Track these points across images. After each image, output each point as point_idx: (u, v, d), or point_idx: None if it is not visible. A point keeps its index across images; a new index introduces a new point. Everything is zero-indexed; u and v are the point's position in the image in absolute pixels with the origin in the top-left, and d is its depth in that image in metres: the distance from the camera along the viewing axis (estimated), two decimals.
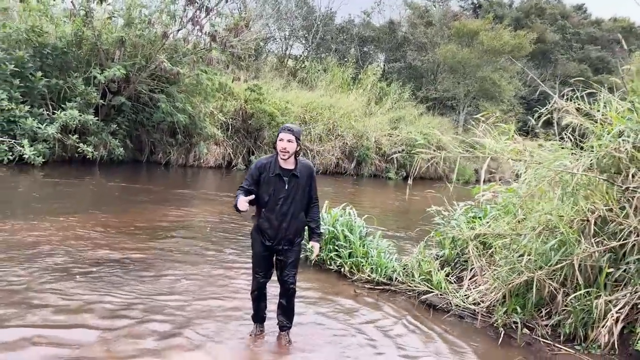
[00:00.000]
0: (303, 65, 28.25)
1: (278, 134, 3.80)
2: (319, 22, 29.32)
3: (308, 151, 19.88)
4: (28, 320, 4.02)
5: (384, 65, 32.68)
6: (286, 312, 4.10)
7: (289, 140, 3.73)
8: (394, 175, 22.05)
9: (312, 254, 4.48)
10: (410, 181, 5.74)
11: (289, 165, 3.84)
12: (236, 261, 6.39)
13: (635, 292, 4.25)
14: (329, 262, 6.31)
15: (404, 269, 5.93)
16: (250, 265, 4.13)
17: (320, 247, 5.18)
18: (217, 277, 5.70)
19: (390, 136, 22.60)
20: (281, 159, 3.78)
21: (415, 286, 5.57)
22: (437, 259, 6.19)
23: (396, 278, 5.78)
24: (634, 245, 4.27)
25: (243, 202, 3.62)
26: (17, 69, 13.05)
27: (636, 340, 4.19)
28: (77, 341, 3.77)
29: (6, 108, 12.62)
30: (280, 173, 3.80)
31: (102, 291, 4.79)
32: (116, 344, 3.79)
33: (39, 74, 13.41)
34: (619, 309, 4.29)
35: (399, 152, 21.61)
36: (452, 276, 5.97)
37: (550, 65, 40.84)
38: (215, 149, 17.87)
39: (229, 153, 18.29)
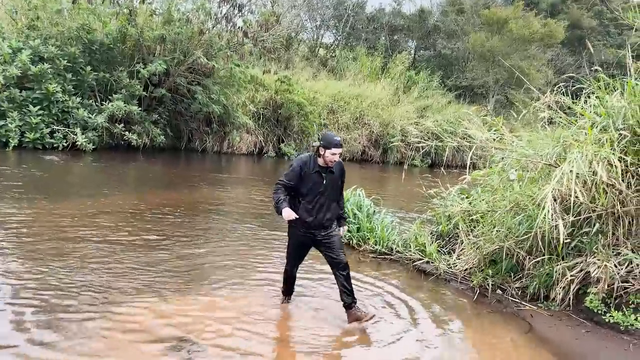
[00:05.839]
0: (333, 54, 28.98)
1: (329, 146, 4.27)
2: (349, 12, 29.92)
3: None
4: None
5: (414, 54, 33.08)
6: (350, 292, 4.49)
7: (340, 154, 4.38)
8: (420, 162, 22.68)
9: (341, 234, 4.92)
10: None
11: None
12: (256, 235, 7.47)
13: (587, 261, 5.05)
14: None
15: (403, 241, 6.86)
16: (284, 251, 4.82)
17: None
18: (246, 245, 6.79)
19: (417, 124, 23.18)
20: (328, 165, 4.38)
21: (410, 255, 6.50)
22: (433, 234, 7.08)
23: (395, 249, 6.73)
24: (587, 219, 5.07)
25: (290, 215, 4.22)
26: (69, 64, 14.44)
27: (587, 299, 5.02)
28: None
29: (61, 100, 14.08)
30: (319, 170, 4.40)
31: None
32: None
33: (89, 68, 14.74)
34: (575, 273, 5.11)
35: (421, 140, 22.14)
36: (446, 248, 6.86)
37: (587, 51, 40.20)
38: (247, 137, 19.06)
39: (260, 141, 19.45)
